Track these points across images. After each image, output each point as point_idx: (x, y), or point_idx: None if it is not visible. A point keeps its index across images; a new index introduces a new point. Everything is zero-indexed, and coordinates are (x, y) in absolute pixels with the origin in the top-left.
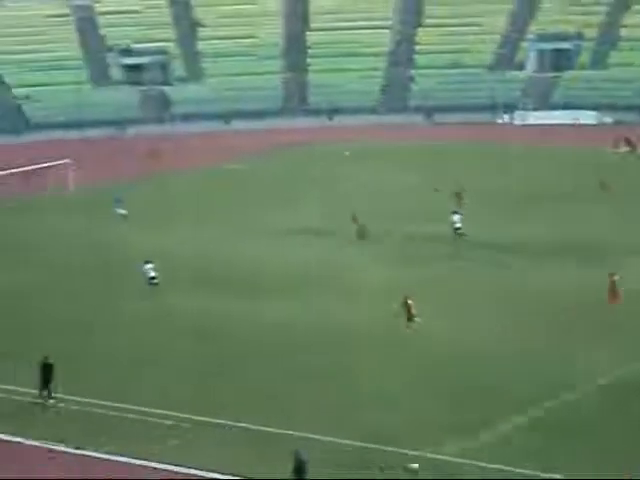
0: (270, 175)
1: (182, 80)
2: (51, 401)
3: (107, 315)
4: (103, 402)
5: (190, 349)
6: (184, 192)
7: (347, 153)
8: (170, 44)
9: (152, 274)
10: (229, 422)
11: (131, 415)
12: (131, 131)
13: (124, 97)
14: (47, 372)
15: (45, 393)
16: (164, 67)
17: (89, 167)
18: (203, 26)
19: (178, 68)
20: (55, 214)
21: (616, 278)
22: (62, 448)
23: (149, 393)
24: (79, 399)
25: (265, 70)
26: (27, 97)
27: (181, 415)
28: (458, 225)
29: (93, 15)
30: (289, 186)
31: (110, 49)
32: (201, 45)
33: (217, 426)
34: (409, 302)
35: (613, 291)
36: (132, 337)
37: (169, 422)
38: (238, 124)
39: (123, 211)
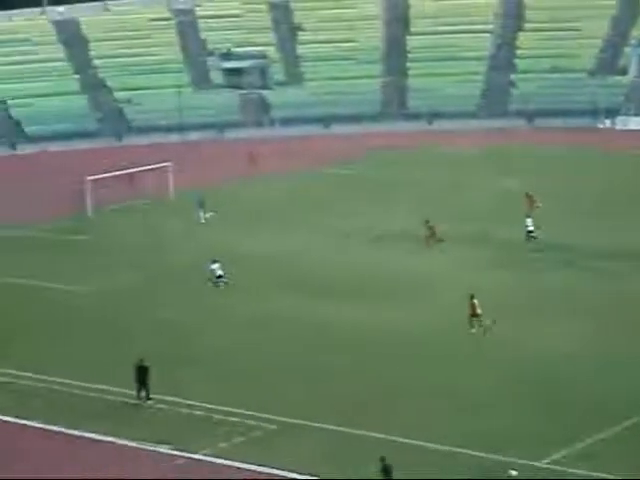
0: (367, 179)
1: (281, 84)
2: (149, 402)
3: (198, 316)
4: (207, 405)
5: (285, 352)
6: (281, 195)
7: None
8: (270, 48)
9: (219, 273)
10: (330, 426)
11: (233, 418)
12: (230, 134)
13: (224, 101)
14: (142, 374)
15: (142, 394)
16: (264, 71)
17: (189, 170)
18: (303, 30)
19: (278, 72)
20: (156, 216)
21: None
22: (160, 449)
23: (246, 396)
24: (178, 400)
25: (364, 74)
26: (129, 101)
27: (277, 418)
28: (530, 228)
29: (194, 19)
30: (385, 190)
31: (211, 53)
32: (301, 49)
33: (314, 430)
34: (474, 302)
35: None
36: (232, 339)
37: (273, 426)
38: (337, 128)
39: (206, 214)
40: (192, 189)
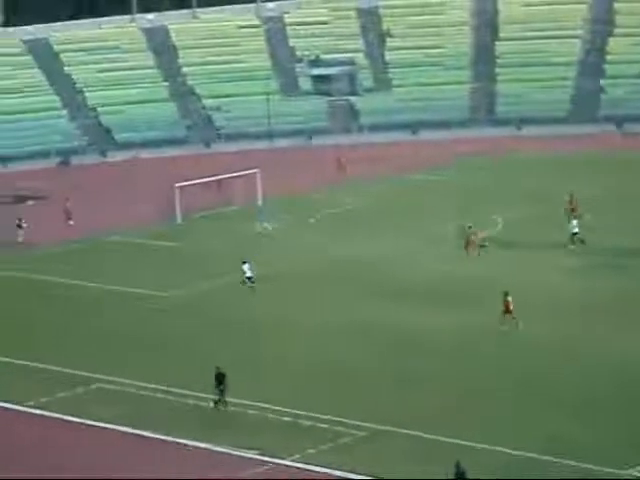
0: (455, 185)
1: (369, 90)
2: (224, 408)
3: (284, 320)
4: (295, 411)
5: (374, 357)
6: (369, 202)
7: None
8: (358, 54)
9: (249, 274)
10: (419, 433)
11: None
12: (318, 141)
13: (312, 107)
14: (220, 380)
15: (220, 399)
16: (352, 77)
17: (277, 177)
18: (391, 36)
19: (366, 78)
20: (243, 223)
21: None
22: (248, 454)
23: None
24: (266, 406)
25: (453, 80)
26: (218, 108)
27: (365, 424)
28: (575, 230)
29: (283, 26)
30: (473, 196)
31: (299, 60)
32: (389, 55)
33: (403, 436)
34: (509, 299)
35: None
36: (320, 345)
37: (362, 432)
38: (425, 134)
39: (267, 225)
40: (276, 197)
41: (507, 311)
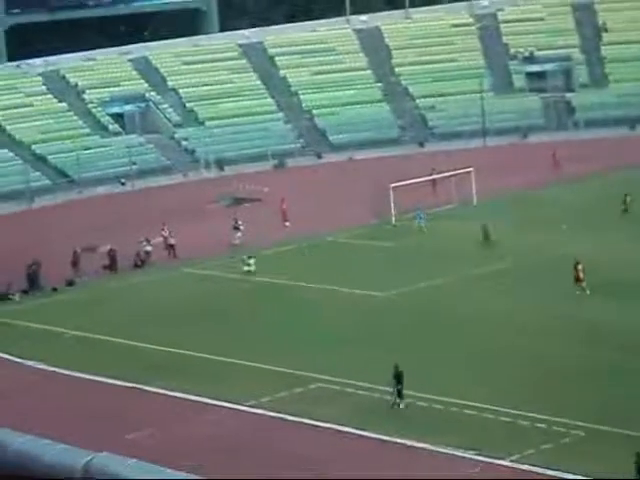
0: None
1: (585, 86)
2: (401, 406)
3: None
4: (513, 411)
5: (584, 355)
6: (585, 199)
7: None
8: (574, 50)
9: (249, 269)
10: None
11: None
12: (533, 139)
13: (527, 104)
14: (399, 379)
15: (398, 399)
16: (567, 73)
17: (492, 175)
18: (607, 31)
19: (582, 74)
20: (461, 221)
21: None
22: (468, 454)
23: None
24: (485, 406)
25: None
26: (432, 107)
27: (584, 425)
28: None
29: (496, 23)
30: None
31: (513, 57)
32: (605, 50)
33: (622, 437)
34: (579, 266)
35: None
36: (526, 342)
37: (581, 433)
38: None
39: (423, 223)
40: (494, 195)
41: (578, 279)
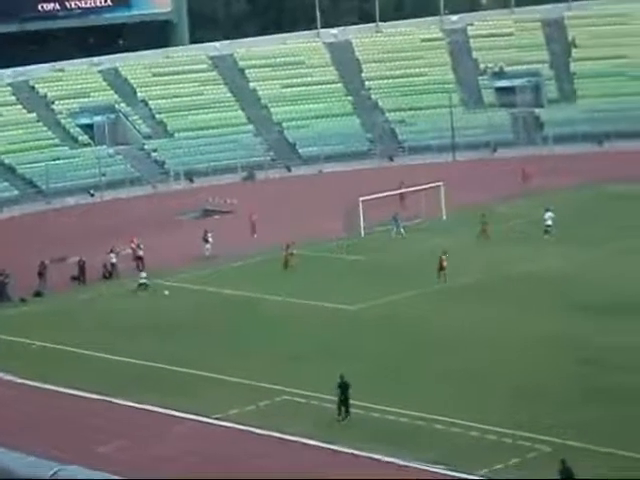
0: None
1: (554, 101)
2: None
3: (484, 332)
4: (479, 425)
5: (574, 372)
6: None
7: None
8: (543, 65)
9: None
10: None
11: None
12: (502, 153)
13: (496, 119)
14: (344, 391)
15: (341, 409)
16: (537, 89)
17: (461, 189)
18: (576, 47)
19: (551, 90)
20: (430, 234)
21: None
22: (435, 469)
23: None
24: (451, 420)
25: (637, 91)
26: (402, 121)
27: (553, 440)
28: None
29: (466, 38)
30: None
31: (483, 72)
32: (574, 66)
33: (596, 454)
34: (444, 256)
35: None
36: (519, 356)
37: (548, 448)
38: (610, 145)
39: (403, 231)
40: (460, 209)
41: (441, 268)
